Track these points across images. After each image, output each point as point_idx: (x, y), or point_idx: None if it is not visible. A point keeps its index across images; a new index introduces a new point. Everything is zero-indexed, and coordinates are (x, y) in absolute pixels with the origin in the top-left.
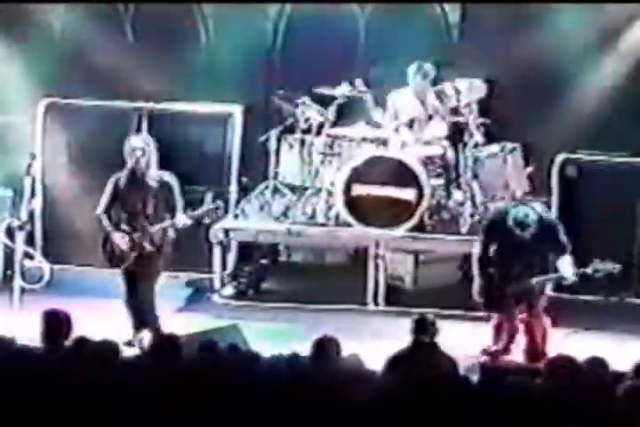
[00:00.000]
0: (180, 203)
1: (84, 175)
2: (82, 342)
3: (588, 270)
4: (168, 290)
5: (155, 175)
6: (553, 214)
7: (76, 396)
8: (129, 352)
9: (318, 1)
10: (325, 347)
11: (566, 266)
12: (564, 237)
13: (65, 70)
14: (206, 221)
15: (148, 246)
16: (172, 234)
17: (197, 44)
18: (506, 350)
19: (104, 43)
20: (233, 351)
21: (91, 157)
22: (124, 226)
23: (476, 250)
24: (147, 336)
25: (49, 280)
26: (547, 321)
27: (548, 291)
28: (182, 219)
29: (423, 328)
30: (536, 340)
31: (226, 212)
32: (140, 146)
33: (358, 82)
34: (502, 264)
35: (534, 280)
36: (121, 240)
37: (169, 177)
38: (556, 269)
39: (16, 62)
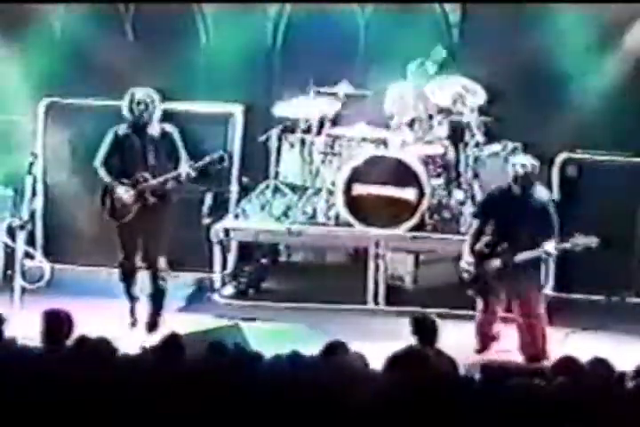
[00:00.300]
0: (182, 154)
1: (85, 174)
2: (83, 341)
3: (568, 245)
4: (169, 290)
5: (157, 127)
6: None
7: (77, 396)
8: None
9: (318, 1)
10: (336, 351)
11: (549, 244)
12: (555, 222)
13: (66, 70)
14: (211, 171)
15: (150, 198)
16: (174, 185)
17: (197, 44)
18: (484, 345)
19: (104, 42)
20: (238, 351)
21: (92, 157)
22: (124, 178)
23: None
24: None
25: (49, 280)
26: (546, 320)
27: (548, 290)
28: (186, 169)
29: (422, 328)
30: (537, 339)
31: (225, 211)
32: (144, 99)
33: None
34: (491, 242)
35: (518, 257)
36: (123, 192)
37: (170, 128)
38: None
39: (17, 62)
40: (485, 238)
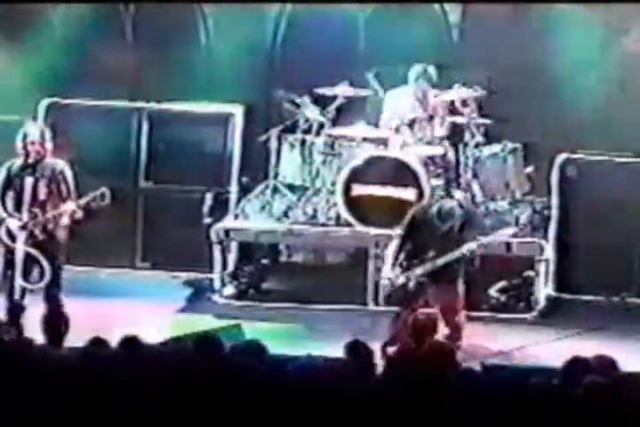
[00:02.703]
0: (72, 191)
1: (85, 175)
2: (98, 341)
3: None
4: (169, 290)
5: (49, 163)
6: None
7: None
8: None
9: (319, 1)
10: (359, 351)
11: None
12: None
13: (66, 70)
14: (94, 207)
15: (40, 235)
16: (65, 221)
17: (198, 44)
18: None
19: (105, 43)
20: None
21: (92, 157)
22: (16, 213)
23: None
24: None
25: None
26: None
27: (551, 291)
28: (70, 206)
29: (422, 328)
30: (456, 329)
31: (225, 211)
32: (36, 139)
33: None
34: (418, 252)
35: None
36: (14, 226)
37: (62, 165)
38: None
39: (18, 62)
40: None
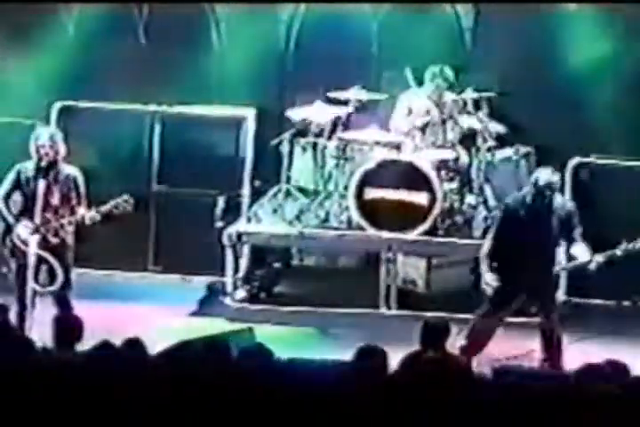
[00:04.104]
0: (83, 199)
1: (98, 177)
2: (106, 345)
3: (618, 252)
4: (181, 293)
5: (62, 169)
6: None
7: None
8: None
9: (330, 1)
10: (370, 355)
11: (582, 250)
12: (578, 227)
13: (79, 73)
14: (116, 215)
15: (53, 240)
16: (72, 227)
17: (210, 48)
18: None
19: (118, 46)
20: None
21: (104, 160)
22: (26, 217)
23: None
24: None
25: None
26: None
27: (561, 295)
28: (91, 213)
29: (435, 332)
30: (553, 344)
31: (237, 214)
32: (48, 143)
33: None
34: (514, 256)
35: (557, 268)
36: (27, 232)
37: (75, 171)
38: (569, 260)
39: (30, 65)
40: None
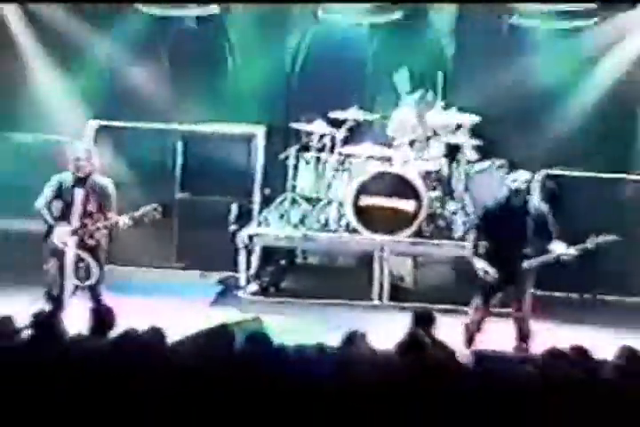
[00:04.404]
0: (113, 206)
1: (128, 188)
2: (128, 333)
3: (589, 245)
4: (198, 288)
5: (97, 179)
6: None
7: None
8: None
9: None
10: (355, 340)
11: (559, 246)
12: (552, 226)
13: (111, 95)
14: (146, 221)
15: (90, 242)
16: (106, 230)
17: (225, 72)
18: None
19: (146, 71)
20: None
21: (134, 172)
22: (64, 222)
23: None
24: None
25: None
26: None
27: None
28: (123, 219)
29: (422, 321)
30: (525, 332)
31: (249, 219)
32: (82, 155)
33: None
34: (494, 251)
35: (531, 262)
36: (66, 234)
37: (108, 182)
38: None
39: (70, 89)
40: (483, 245)
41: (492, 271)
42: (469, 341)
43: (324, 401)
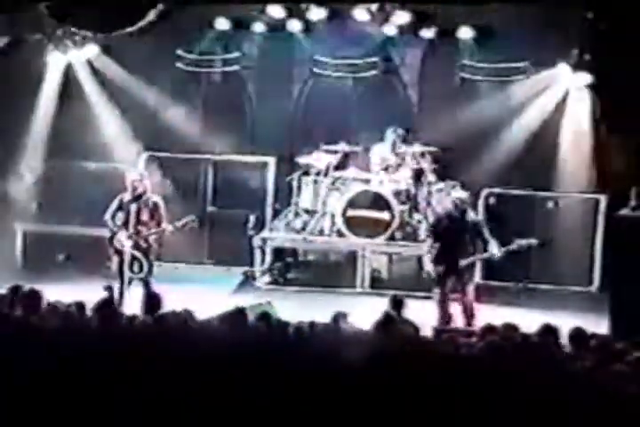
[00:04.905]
0: (163, 217)
1: (172, 204)
2: (169, 314)
3: (513, 247)
4: (224, 279)
5: (149, 197)
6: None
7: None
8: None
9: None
10: (340, 319)
11: (493, 247)
12: (487, 234)
13: (159, 132)
14: (186, 229)
15: (143, 244)
16: (156, 236)
17: (245, 113)
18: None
19: (183, 114)
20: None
21: (175, 191)
22: (124, 229)
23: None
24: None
25: (147, 272)
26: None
27: (477, 279)
28: (169, 227)
29: (395, 304)
30: (470, 311)
31: (263, 226)
32: (137, 178)
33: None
34: (444, 250)
35: (468, 260)
36: (125, 238)
37: (157, 199)
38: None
39: (126, 127)
40: (435, 246)
41: (433, 270)
42: (443, 317)
43: (317, 366)
